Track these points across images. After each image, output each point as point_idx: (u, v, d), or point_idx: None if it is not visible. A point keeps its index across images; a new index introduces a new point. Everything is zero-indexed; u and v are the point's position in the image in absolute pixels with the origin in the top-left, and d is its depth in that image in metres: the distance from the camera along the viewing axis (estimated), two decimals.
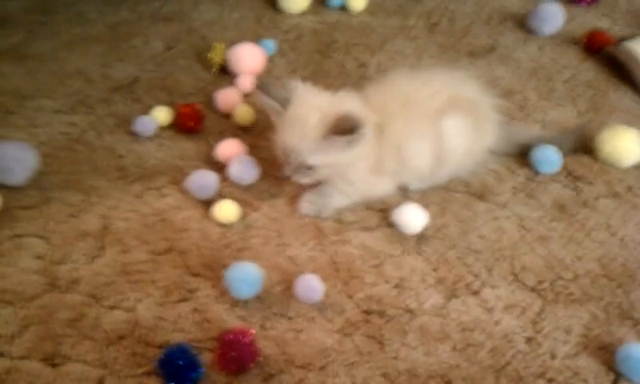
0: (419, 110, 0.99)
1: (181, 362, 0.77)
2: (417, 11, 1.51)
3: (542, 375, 0.80)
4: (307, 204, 1.00)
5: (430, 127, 0.99)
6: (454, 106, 1.00)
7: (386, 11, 1.50)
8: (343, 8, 1.50)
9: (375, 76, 1.26)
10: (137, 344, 0.82)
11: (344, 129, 0.90)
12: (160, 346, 0.81)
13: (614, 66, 1.32)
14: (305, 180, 0.97)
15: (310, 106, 0.94)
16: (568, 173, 1.08)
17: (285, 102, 0.94)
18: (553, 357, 0.82)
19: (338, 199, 1.00)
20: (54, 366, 0.79)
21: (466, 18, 1.49)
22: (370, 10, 1.50)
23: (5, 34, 1.37)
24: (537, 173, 1.08)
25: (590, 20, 1.48)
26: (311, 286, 0.87)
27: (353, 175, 0.98)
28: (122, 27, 1.41)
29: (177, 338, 0.82)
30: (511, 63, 1.35)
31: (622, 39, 1.37)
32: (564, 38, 1.42)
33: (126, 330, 0.83)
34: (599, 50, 1.37)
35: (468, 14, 1.51)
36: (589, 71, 1.33)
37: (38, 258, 0.92)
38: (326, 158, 0.93)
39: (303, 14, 1.47)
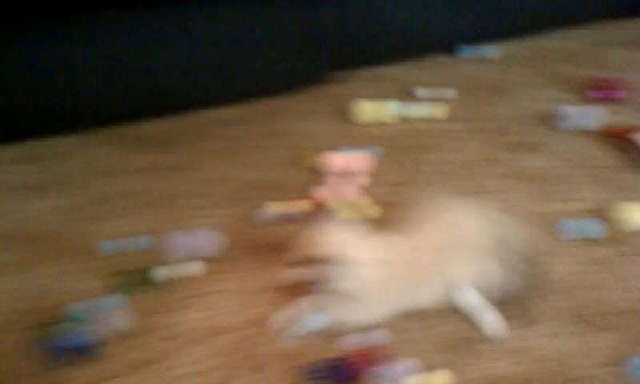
0: (448, 256, 1.25)
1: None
2: (465, 117, 1.93)
3: None
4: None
5: (438, 275, 1.25)
6: (461, 253, 1.25)
7: (439, 120, 1.92)
8: (405, 118, 1.91)
9: (432, 173, 1.68)
10: (309, 360, 1.19)
11: (331, 261, 1.17)
12: (325, 361, 1.18)
13: (629, 152, 1.70)
14: None
15: (329, 239, 1.21)
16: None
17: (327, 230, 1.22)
18: None
19: (330, 311, 1.25)
20: (258, 372, 1.17)
21: (507, 120, 1.91)
22: (426, 118, 1.92)
23: (160, 151, 1.81)
24: None
25: (607, 115, 1.86)
26: None
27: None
28: (244, 142, 1.84)
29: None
30: (545, 155, 1.74)
31: (632, 130, 1.74)
32: (584, 132, 1.81)
33: (300, 350, 1.21)
34: (615, 140, 1.75)
35: (508, 116, 1.93)
36: (605, 158, 1.71)
37: (232, 305, 1.31)
38: (323, 278, 1.19)
39: (374, 125, 1.89)
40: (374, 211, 1.54)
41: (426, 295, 1.26)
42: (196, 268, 1.39)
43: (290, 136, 1.87)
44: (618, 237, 1.46)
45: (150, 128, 1.91)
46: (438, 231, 1.27)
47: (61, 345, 1.19)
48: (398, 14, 2.14)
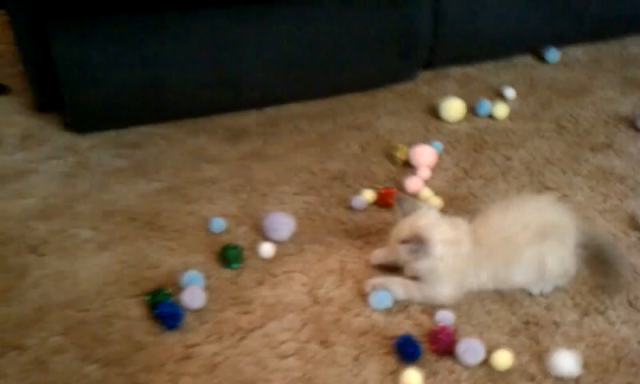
0: (514, 241, 1.32)
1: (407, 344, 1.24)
2: (547, 117, 1.97)
3: None
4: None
5: (523, 254, 1.32)
6: (543, 234, 1.31)
7: (523, 118, 1.97)
8: (490, 116, 1.98)
9: (516, 168, 1.74)
10: (376, 336, 1.30)
11: (411, 242, 1.30)
12: (392, 338, 1.28)
13: None
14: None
15: (410, 221, 1.33)
16: None
17: (409, 213, 1.35)
18: None
19: (396, 291, 1.36)
20: (326, 346, 1.28)
21: (588, 121, 1.93)
22: (510, 117, 1.98)
23: (248, 141, 1.96)
24: None
25: None
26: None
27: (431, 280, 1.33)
28: (328, 135, 1.95)
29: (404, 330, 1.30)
30: (624, 156, 1.77)
31: None
32: None
33: (367, 327, 1.31)
34: None
35: (589, 117, 1.95)
36: None
37: (303, 285, 1.43)
38: (404, 258, 1.34)
39: (459, 122, 1.97)
40: (439, 202, 1.63)
41: (496, 277, 1.35)
42: (273, 250, 1.49)
43: (377, 130, 1.96)
44: None
45: (240, 120, 2.03)
46: (508, 217, 1.34)
47: (155, 312, 1.34)
48: (488, 14, 2.19)
